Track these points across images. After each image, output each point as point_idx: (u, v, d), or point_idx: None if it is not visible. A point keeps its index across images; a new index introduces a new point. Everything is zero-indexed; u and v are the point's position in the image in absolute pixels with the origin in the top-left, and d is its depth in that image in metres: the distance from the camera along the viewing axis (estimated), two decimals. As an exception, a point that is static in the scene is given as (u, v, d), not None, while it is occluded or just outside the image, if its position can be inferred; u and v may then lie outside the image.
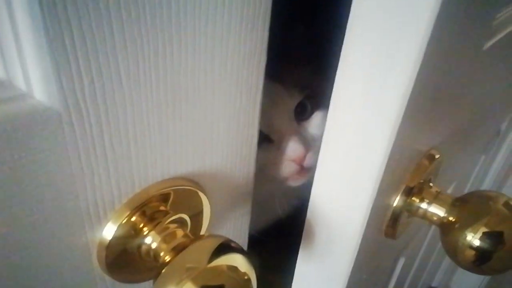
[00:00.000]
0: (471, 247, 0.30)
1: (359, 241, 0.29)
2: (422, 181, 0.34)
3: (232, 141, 0.30)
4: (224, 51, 0.25)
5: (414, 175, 0.33)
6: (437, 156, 0.34)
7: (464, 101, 0.37)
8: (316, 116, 0.49)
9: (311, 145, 0.46)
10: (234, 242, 0.26)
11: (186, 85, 0.24)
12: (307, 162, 0.45)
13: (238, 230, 0.36)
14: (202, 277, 0.23)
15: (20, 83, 0.19)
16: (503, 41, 0.33)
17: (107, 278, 0.27)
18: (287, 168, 0.46)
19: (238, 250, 0.26)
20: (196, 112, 0.26)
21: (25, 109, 0.18)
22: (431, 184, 0.34)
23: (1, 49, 0.18)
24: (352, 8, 0.25)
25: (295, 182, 0.47)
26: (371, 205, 0.28)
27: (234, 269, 0.25)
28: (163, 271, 0.24)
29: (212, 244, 0.25)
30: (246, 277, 0.25)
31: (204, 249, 0.25)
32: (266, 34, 0.27)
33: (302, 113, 0.48)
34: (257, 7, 0.25)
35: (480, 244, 0.29)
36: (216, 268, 0.24)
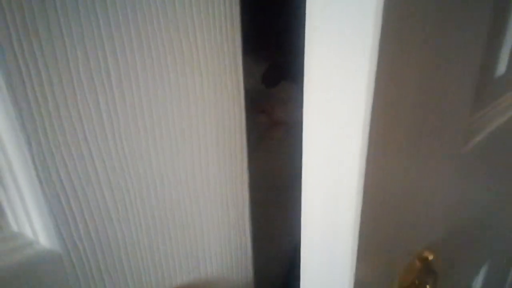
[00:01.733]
0: None
1: None
2: (417, 282, 0.34)
3: (225, 251, 0.33)
4: (205, 180, 0.29)
5: (405, 276, 0.33)
6: (430, 257, 0.34)
7: (451, 200, 0.37)
8: (284, 85, 0.55)
9: (280, 104, 0.53)
10: None
11: (172, 213, 0.28)
12: (276, 116, 0.52)
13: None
14: None
15: (28, 232, 0.23)
16: (482, 143, 0.34)
17: None
18: (259, 119, 0.52)
19: None
20: (186, 233, 0.30)
21: (33, 254, 0.23)
22: (427, 286, 0.34)
23: (13, 208, 0.23)
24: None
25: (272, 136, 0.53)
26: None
27: None
28: None
29: None
30: None
31: None
32: (245, 159, 0.31)
33: (269, 79, 0.54)
34: (232, 137, 0.29)
35: None
36: None
